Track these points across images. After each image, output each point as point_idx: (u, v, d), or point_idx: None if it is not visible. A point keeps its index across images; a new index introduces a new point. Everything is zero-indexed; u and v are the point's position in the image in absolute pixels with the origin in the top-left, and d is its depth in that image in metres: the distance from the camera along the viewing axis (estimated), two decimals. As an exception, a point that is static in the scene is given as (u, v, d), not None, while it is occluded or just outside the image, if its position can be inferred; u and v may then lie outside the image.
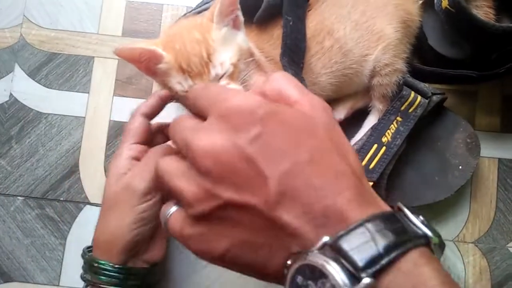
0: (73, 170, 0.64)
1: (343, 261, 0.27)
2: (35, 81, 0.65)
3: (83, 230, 0.62)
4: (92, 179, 0.63)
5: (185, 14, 0.56)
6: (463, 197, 0.62)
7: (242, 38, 0.49)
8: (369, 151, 0.55)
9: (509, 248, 0.61)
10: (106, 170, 0.63)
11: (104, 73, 0.65)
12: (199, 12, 0.57)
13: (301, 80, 0.51)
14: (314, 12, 0.54)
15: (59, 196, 0.63)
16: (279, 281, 0.31)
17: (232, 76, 0.47)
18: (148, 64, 0.46)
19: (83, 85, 0.65)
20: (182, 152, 0.34)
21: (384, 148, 0.55)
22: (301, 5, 0.53)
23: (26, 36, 0.66)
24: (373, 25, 0.54)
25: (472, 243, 0.61)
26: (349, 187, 0.30)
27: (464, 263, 0.61)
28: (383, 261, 0.27)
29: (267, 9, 0.53)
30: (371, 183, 0.54)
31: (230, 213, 0.31)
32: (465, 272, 0.61)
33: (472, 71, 0.57)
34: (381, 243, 0.27)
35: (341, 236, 0.28)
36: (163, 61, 0.46)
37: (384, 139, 0.55)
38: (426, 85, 0.58)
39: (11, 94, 0.65)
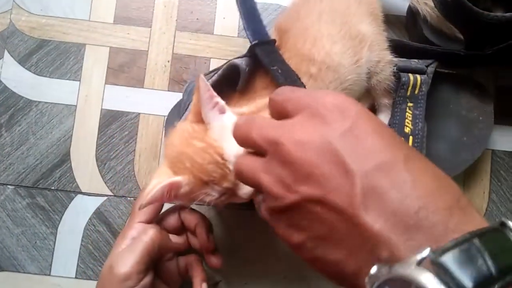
0: (64, 159, 0.63)
1: (448, 280, 0.23)
2: (25, 68, 0.64)
3: (75, 219, 0.62)
4: (84, 168, 0.63)
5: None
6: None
7: (231, 117, 0.48)
8: None
9: (501, 239, 0.61)
10: (97, 159, 0.63)
11: (96, 60, 0.65)
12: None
13: None
14: (286, 50, 0.53)
15: (50, 185, 0.62)
16: None
17: None
18: (170, 195, 0.45)
19: (74, 72, 0.64)
20: (263, 150, 0.34)
21: (411, 137, 0.55)
22: (273, 51, 0.52)
23: (16, 22, 0.65)
24: (349, 30, 0.54)
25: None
26: (449, 192, 0.28)
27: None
28: (497, 285, 0.23)
29: (245, 77, 0.52)
30: None
31: (310, 208, 0.30)
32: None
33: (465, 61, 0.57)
34: (493, 263, 0.24)
35: (446, 250, 0.24)
36: (183, 185, 0.44)
37: (407, 130, 0.55)
38: (416, 60, 0.58)
39: (0, 81, 0.64)
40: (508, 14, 0.52)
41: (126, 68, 0.64)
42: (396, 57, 0.57)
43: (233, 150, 0.44)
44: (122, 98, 0.64)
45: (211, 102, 0.46)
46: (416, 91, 0.56)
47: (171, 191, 0.44)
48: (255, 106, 0.51)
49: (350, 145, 0.29)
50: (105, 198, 0.62)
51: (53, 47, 0.65)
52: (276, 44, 0.53)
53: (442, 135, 0.59)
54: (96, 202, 0.62)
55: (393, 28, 0.64)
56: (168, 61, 0.65)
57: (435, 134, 0.59)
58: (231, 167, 0.43)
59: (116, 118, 0.63)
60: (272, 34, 0.55)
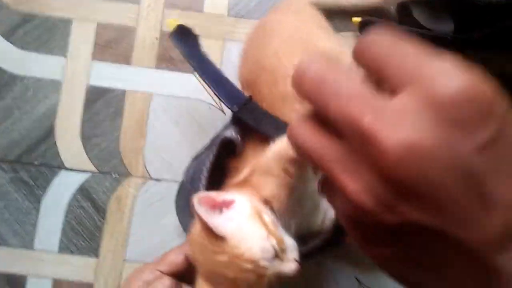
0: (49, 134, 0.62)
1: None
2: (10, 42, 0.64)
3: (58, 195, 0.61)
4: (68, 144, 0.62)
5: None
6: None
7: (241, 203, 0.44)
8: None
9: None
10: (82, 135, 0.62)
11: (83, 36, 0.64)
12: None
13: None
14: (263, 100, 0.51)
15: (34, 160, 0.62)
16: None
17: (280, 241, 0.42)
18: None
19: (60, 48, 0.64)
20: (343, 133, 0.22)
21: None
22: (255, 107, 0.51)
23: (2, -5, 0.64)
24: (313, 50, 0.53)
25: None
26: None
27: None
28: None
29: (241, 147, 0.51)
30: None
31: (417, 234, 0.23)
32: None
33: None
34: None
35: None
36: None
37: None
38: None
39: (-15, 55, 0.63)
40: (495, -1, 0.53)
41: (113, 44, 0.64)
42: None
43: (258, 248, 0.40)
44: (109, 75, 0.63)
45: (214, 213, 0.42)
46: None
47: None
48: (250, 169, 0.48)
49: (491, 165, 0.20)
50: (90, 174, 0.62)
51: (40, 21, 0.64)
52: (253, 98, 0.52)
53: None
54: (80, 178, 0.62)
55: (382, 10, 0.64)
56: (157, 38, 0.64)
57: None
58: (264, 264, 0.40)
59: (102, 94, 0.63)
60: (241, 87, 0.54)
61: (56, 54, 0.64)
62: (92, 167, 0.62)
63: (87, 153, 0.62)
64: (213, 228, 0.40)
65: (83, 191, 0.61)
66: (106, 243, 0.61)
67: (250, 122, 0.50)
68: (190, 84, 0.63)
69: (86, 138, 0.63)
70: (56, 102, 0.63)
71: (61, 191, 0.61)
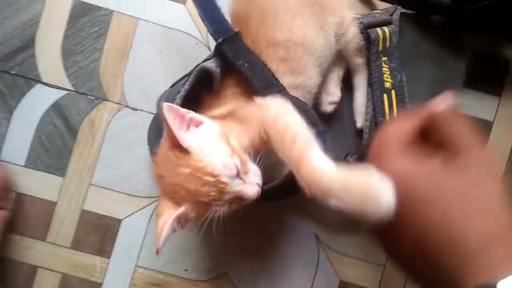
0: (29, 44, 0.60)
1: None
2: None
3: (31, 108, 0.60)
4: (48, 57, 0.60)
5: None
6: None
7: (209, 125, 0.45)
8: (384, 104, 0.54)
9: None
10: (63, 51, 0.60)
11: None
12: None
13: (297, 100, 0.48)
14: (248, 37, 0.50)
15: (10, 69, 0.60)
16: None
17: (243, 162, 0.42)
18: (182, 225, 0.43)
19: (50, -46, 0.60)
20: None
21: (393, 91, 0.54)
22: (241, 46, 0.49)
23: None
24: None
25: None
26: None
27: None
28: None
29: (219, 80, 0.49)
30: None
31: None
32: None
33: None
34: None
35: None
36: (189, 213, 0.42)
37: (387, 85, 0.54)
38: (378, 11, 0.57)
39: (-31, -49, 0.60)
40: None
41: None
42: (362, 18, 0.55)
43: (220, 162, 0.41)
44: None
45: (183, 125, 0.43)
46: (387, 44, 0.55)
47: (181, 222, 0.42)
48: (226, 109, 0.48)
49: None
50: (66, 92, 0.60)
51: None
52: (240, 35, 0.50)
53: (420, 78, 0.58)
54: (56, 94, 0.61)
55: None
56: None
57: (413, 79, 0.57)
58: (225, 179, 0.41)
59: (88, 11, 0.61)
60: (231, 23, 0.51)
61: (45, -40, 0.60)
62: (69, 85, 0.60)
63: (65, 70, 0.61)
64: (177, 136, 0.41)
65: (57, 108, 0.60)
66: (74, 164, 0.60)
67: (231, 57, 0.48)
68: (181, 16, 0.61)
69: (66, 54, 0.61)
70: (40, 11, 0.60)
71: (34, 104, 0.60)
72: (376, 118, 0.55)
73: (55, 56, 0.61)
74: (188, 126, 0.43)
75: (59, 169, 0.60)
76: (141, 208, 0.61)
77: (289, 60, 0.50)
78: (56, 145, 0.60)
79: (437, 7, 0.56)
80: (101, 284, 0.61)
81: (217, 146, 0.43)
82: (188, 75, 0.51)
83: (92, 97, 0.60)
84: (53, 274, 0.60)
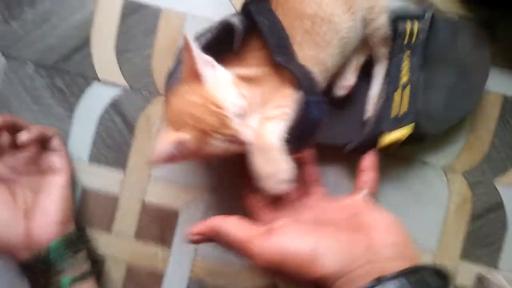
0: (85, 43, 0.62)
1: None
2: None
3: (91, 105, 0.63)
4: (103, 56, 0.62)
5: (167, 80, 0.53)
6: (461, 128, 0.63)
7: (224, 73, 0.48)
8: (393, 99, 0.55)
9: (496, 184, 0.64)
10: (116, 48, 0.62)
11: None
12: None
13: (304, 67, 0.49)
14: (278, 5, 0.51)
15: (69, 68, 0.62)
16: None
17: (250, 108, 0.47)
18: (181, 154, 0.45)
19: (102, -45, 0.62)
20: None
21: (408, 86, 0.55)
22: (268, 8, 0.50)
23: None
24: None
25: (461, 173, 0.64)
26: None
27: (449, 190, 0.64)
28: None
29: (240, 38, 0.51)
30: (412, 124, 0.55)
31: None
32: (448, 198, 0.64)
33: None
34: None
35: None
36: (188, 140, 0.45)
37: (404, 79, 0.55)
38: (410, 6, 0.57)
39: (24, -44, 0.61)
40: None
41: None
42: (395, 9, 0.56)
43: (229, 99, 0.45)
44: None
45: (203, 58, 0.47)
46: (414, 40, 0.56)
47: (180, 149, 0.45)
48: (253, 73, 0.50)
49: None
50: (121, 89, 0.62)
51: None
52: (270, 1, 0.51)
53: (439, 83, 0.59)
54: (112, 92, 0.63)
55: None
56: (200, -42, 0.62)
57: (432, 83, 0.58)
58: (228, 114, 0.45)
59: (138, 9, 0.62)
60: None
61: (97, -39, 0.62)
62: (124, 82, 0.62)
63: (120, 67, 0.63)
64: (196, 60, 0.45)
65: (114, 105, 0.63)
66: (134, 158, 0.63)
67: (257, 19, 0.50)
68: (225, 7, 0.62)
69: (120, 51, 0.63)
70: (93, 11, 0.62)
71: (94, 102, 0.63)
72: (385, 109, 0.56)
73: (109, 53, 0.62)
74: (205, 64, 0.47)
75: (120, 163, 0.63)
76: (197, 198, 0.63)
77: (314, 34, 0.51)
78: (116, 140, 0.63)
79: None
80: (163, 271, 0.64)
81: (230, 86, 0.47)
82: (210, 28, 0.53)
83: (146, 93, 0.63)
84: (119, 263, 0.64)
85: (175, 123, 0.47)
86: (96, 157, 0.63)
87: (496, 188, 0.64)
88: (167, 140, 0.45)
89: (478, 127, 0.64)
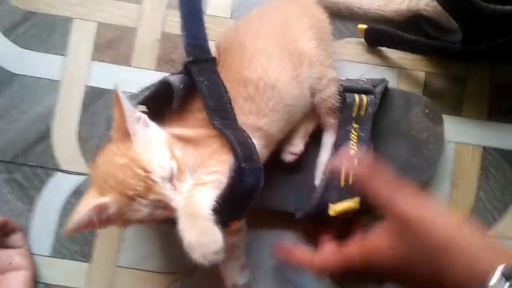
0: (45, 135, 0.61)
1: None
2: (10, 40, 0.63)
3: (53, 197, 0.60)
4: (65, 146, 0.61)
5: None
6: (443, 183, 0.61)
7: (157, 131, 0.46)
8: (341, 171, 0.53)
9: (487, 238, 0.60)
10: (79, 137, 0.61)
11: (83, 35, 0.63)
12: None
13: (242, 132, 0.48)
14: (223, 67, 0.51)
15: (29, 161, 0.61)
16: None
17: (180, 169, 0.44)
18: (100, 219, 0.42)
19: (60, 47, 0.63)
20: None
21: (355, 160, 0.53)
22: (209, 63, 0.50)
23: (2, -8, 0.63)
24: (287, 46, 0.52)
25: (450, 230, 0.60)
26: None
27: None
28: None
29: (180, 96, 0.49)
30: (358, 198, 0.53)
31: None
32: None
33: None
34: None
35: None
36: (110, 205, 0.42)
37: (352, 152, 0.54)
38: (364, 79, 0.57)
39: (-17, 52, 0.62)
40: (508, 7, 0.51)
41: (114, 45, 0.63)
42: (340, 80, 0.56)
43: (157, 161, 0.42)
44: (108, 76, 0.62)
45: (134, 115, 0.44)
46: (362, 113, 0.54)
47: (100, 214, 0.42)
48: (191, 134, 0.48)
49: None
50: (85, 177, 0.60)
51: (39, 19, 0.63)
52: (215, 61, 0.51)
53: (390, 156, 0.57)
54: (76, 181, 0.61)
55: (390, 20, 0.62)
56: (157, 40, 0.63)
57: (383, 155, 0.57)
58: (156, 178, 0.42)
59: (101, 95, 0.62)
60: (214, 52, 0.53)
61: (56, 53, 0.63)
62: (88, 170, 0.60)
63: (83, 155, 0.61)
64: (127, 118, 0.42)
65: (78, 194, 0.60)
66: (99, 248, 0.59)
67: (196, 79, 0.49)
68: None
69: (83, 140, 0.61)
70: (53, 102, 0.62)
71: (56, 193, 0.60)
72: (332, 180, 0.53)
73: (72, 143, 0.61)
74: (137, 120, 0.45)
75: (85, 255, 0.59)
76: (169, 285, 0.59)
77: (258, 99, 0.50)
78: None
79: (447, 50, 0.57)
80: None
81: (159, 147, 0.44)
82: (152, 86, 0.51)
83: (112, 179, 0.60)
84: None
85: (99, 186, 0.43)
86: (59, 251, 0.59)
87: (489, 243, 0.60)
88: (85, 205, 0.41)
89: (460, 182, 0.61)
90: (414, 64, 0.62)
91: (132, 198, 0.41)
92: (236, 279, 0.55)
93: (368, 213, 0.50)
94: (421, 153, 0.58)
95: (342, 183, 0.53)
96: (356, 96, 0.54)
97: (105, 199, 0.42)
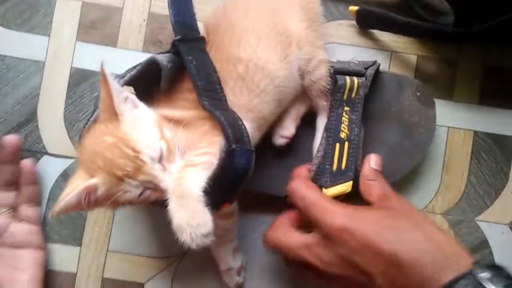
0: (31, 118, 0.60)
1: None
2: (-8, 20, 0.61)
3: (41, 181, 0.59)
4: (51, 129, 0.60)
5: (84, 128, 0.48)
6: (435, 167, 0.60)
7: (146, 111, 0.46)
8: (334, 154, 0.53)
9: (477, 222, 0.60)
10: (66, 120, 0.60)
11: (67, 15, 0.61)
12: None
13: (232, 113, 0.47)
14: (212, 47, 0.50)
15: (15, 145, 0.60)
16: None
17: (170, 150, 0.43)
18: (89, 201, 0.42)
19: (43, 27, 0.61)
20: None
21: (346, 143, 0.53)
22: (198, 42, 0.49)
23: (-18, -31, 0.61)
24: (276, 26, 0.51)
25: (440, 214, 0.60)
26: None
27: (429, 234, 0.60)
28: None
29: (168, 76, 0.48)
30: (350, 182, 0.53)
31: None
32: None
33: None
34: None
35: None
36: (99, 186, 0.41)
37: (342, 135, 0.53)
38: (355, 61, 0.56)
39: (-36, 33, 0.60)
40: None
41: (98, 25, 0.61)
42: (332, 61, 0.55)
43: (145, 141, 0.42)
44: (94, 57, 0.60)
45: (121, 95, 0.43)
46: (353, 95, 0.54)
47: (89, 196, 0.41)
48: (181, 115, 0.47)
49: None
50: (73, 160, 0.60)
51: (22, -2, 0.61)
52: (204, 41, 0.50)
53: (382, 139, 0.57)
54: (64, 164, 0.60)
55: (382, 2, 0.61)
56: (144, 20, 0.61)
57: (374, 138, 0.56)
58: (145, 158, 0.41)
59: (87, 77, 0.61)
60: (203, 32, 0.52)
61: (39, 33, 0.61)
62: (75, 153, 0.60)
63: (70, 138, 0.60)
64: (114, 98, 0.42)
65: (66, 177, 0.59)
66: (89, 232, 0.59)
67: (185, 58, 0.48)
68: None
69: (70, 122, 0.60)
70: (38, 84, 0.60)
71: (43, 177, 0.60)
72: (324, 165, 0.53)
73: (58, 126, 0.60)
74: (125, 100, 0.44)
75: (75, 239, 0.59)
76: (163, 270, 0.59)
77: (248, 79, 0.49)
78: (69, 215, 0.59)
79: (439, 32, 0.56)
80: None
81: (148, 127, 0.44)
82: (139, 65, 0.49)
83: (100, 162, 0.60)
84: None
85: (87, 166, 0.43)
86: (49, 235, 0.59)
87: (478, 226, 0.60)
88: (74, 186, 0.41)
89: (451, 166, 0.61)
90: (406, 47, 0.61)
91: (121, 179, 0.41)
92: (230, 262, 0.56)
93: (358, 195, 0.52)
94: (413, 137, 0.57)
95: (334, 167, 0.53)
96: (347, 78, 0.53)
97: (93, 180, 0.41)
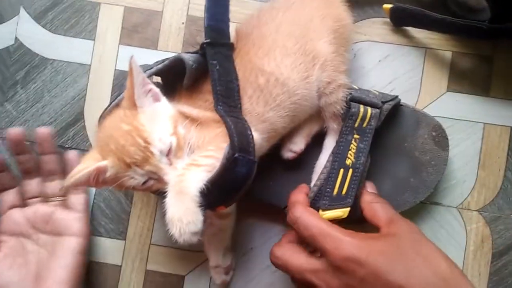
0: (78, 118, 0.63)
1: None
2: (41, 25, 0.64)
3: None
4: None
5: (105, 110, 0.51)
6: (471, 164, 0.60)
7: (166, 106, 0.48)
8: (337, 178, 0.53)
9: (514, 218, 0.60)
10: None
11: (110, 20, 0.64)
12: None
13: (243, 122, 0.48)
14: (239, 54, 0.52)
15: (64, 144, 0.63)
16: None
17: (179, 146, 0.46)
18: (98, 180, 0.45)
19: (88, 31, 0.64)
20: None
21: (350, 170, 0.53)
22: (226, 48, 0.51)
23: (32, -22, 0.65)
24: (304, 45, 0.51)
25: (476, 211, 0.60)
26: None
27: (466, 231, 0.60)
28: None
29: (192, 75, 0.50)
30: (347, 208, 0.52)
31: None
32: (466, 239, 0.60)
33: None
34: None
35: None
36: (108, 169, 0.44)
37: (348, 162, 0.53)
38: (375, 92, 0.56)
39: (16, 37, 0.64)
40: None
41: (140, 29, 0.64)
42: (352, 88, 0.55)
43: (158, 135, 0.44)
44: (136, 60, 0.63)
45: (144, 87, 0.46)
46: (365, 124, 0.53)
47: (98, 176, 0.45)
48: (198, 115, 0.49)
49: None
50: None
51: (68, 4, 0.64)
52: (233, 47, 0.52)
53: (388, 171, 0.57)
54: (109, 162, 0.63)
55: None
56: (183, 23, 0.63)
57: (383, 169, 0.56)
58: (154, 150, 0.44)
59: (129, 79, 0.63)
60: (233, 37, 0.53)
61: (85, 37, 0.64)
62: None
63: (115, 137, 0.63)
64: (136, 90, 0.45)
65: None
66: (133, 226, 0.62)
67: (210, 62, 0.49)
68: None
69: (114, 122, 0.63)
70: (85, 86, 0.64)
71: (90, 174, 0.63)
72: (325, 187, 0.53)
73: (103, 125, 0.63)
74: (146, 93, 0.47)
75: (120, 233, 0.62)
76: (202, 262, 0.62)
77: (266, 92, 0.50)
78: (114, 210, 0.62)
79: (475, 29, 0.55)
80: None
81: (163, 121, 0.46)
82: (165, 60, 0.52)
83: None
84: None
85: (101, 147, 0.46)
86: (96, 229, 0.62)
87: (516, 223, 0.60)
88: (86, 166, 0.44)
89: (487, 162, 0.61)
90: (441, 43, 0.61)
91: (129, 165, 0.44)
92: (219, 260, 0.58)
93: (349, 220, 0.52)
94: (420, 174, 0.57)
95: (335, 191, 0.53)
96: (361, 107, 0.53)
97: (104, 163, 0.44)
